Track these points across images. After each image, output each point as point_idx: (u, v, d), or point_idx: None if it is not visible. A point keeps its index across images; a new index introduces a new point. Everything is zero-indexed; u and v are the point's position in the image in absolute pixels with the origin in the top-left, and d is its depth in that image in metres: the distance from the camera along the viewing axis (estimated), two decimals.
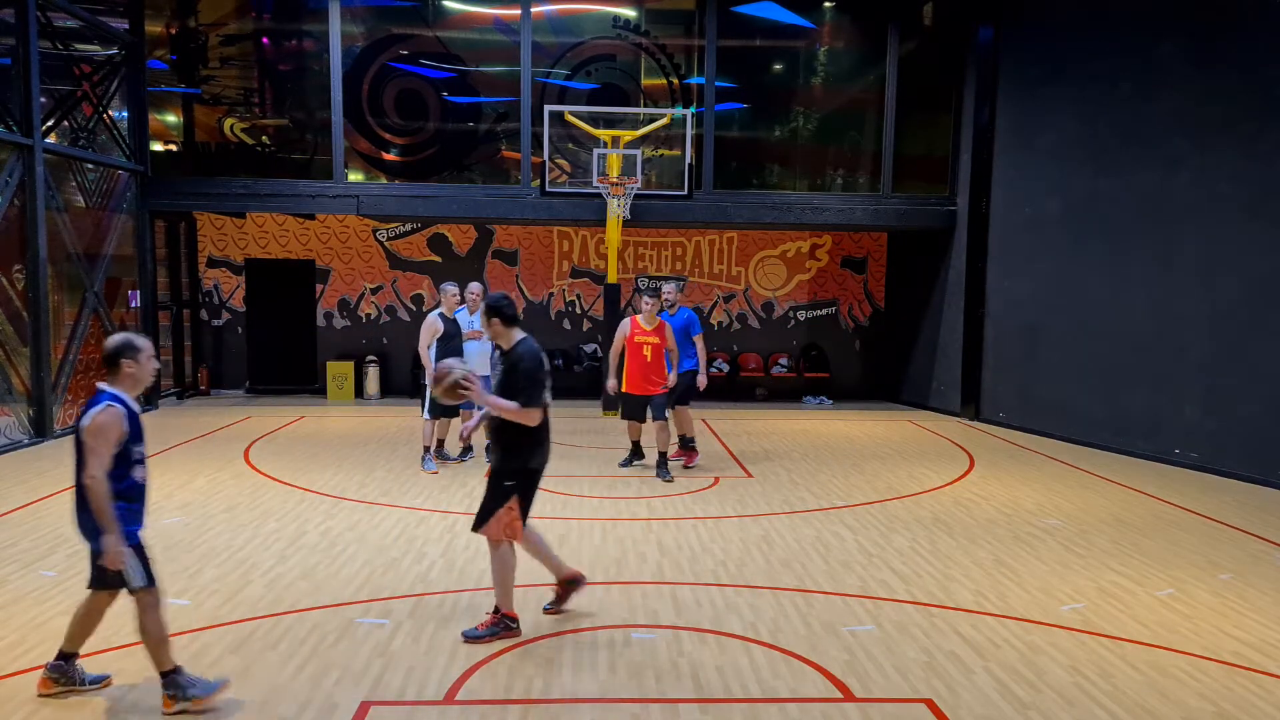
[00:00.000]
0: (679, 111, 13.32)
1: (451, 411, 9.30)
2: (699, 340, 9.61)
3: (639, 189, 12.90)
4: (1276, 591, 6.09)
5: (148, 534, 4.27)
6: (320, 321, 15.04)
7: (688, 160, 13.14)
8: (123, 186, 12.73)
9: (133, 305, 12.99)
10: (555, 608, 5.47)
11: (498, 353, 5.25)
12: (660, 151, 13.83)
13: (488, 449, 5.28)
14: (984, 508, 8.24)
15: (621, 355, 9.17)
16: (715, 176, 13.81)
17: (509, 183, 14.08)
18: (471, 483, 8.72)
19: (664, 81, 14.35)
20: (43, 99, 10.81)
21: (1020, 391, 12.42)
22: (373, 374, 14.54)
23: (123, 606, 4.35)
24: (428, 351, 9.08)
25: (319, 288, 14.99)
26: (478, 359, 8.99)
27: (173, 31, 14.04)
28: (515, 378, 5.05)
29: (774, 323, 15.60)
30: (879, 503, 8.37)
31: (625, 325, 9.17)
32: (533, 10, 13.53)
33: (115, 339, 4.23)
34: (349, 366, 14.50)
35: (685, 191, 13.18)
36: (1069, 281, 11.52)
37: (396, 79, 14.06)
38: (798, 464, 10.05)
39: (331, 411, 13.36)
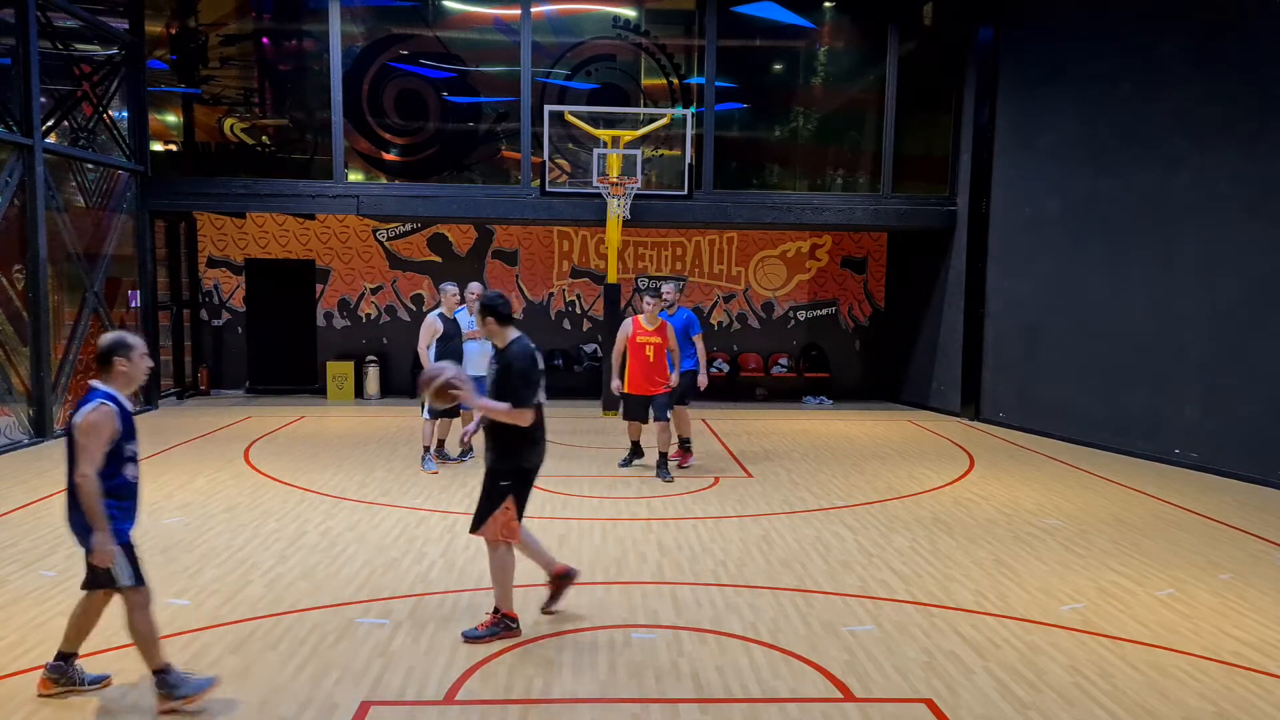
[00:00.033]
0: (679, 111, 13.32)
1: (452, 412, 9.29)
2: (698, 340, 9.61)
3: (639, 189, 12.90)
4: (1276, 591, 6.09)
5: (148, 534, 4.27)
6: (320, 321, 15.04)
7: (688, 160, 13.14)
8: (123, 186, 12.73)
9: (133, 305, 12.99)
10: (550, 607, 5.45)
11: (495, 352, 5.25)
12: (660, 151, 13.83)
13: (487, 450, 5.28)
14: (984, 508, 8.24)
15: (624, 356, 9.17)
16: (715, 176, 13.81)
17: (509, 183, 14.08)
18: (471, 483, 8.70)
19: (664, 81, 14.35)
20: (43, 99, 10.81)
21: (1020, 391, 12.42)
22: (373, 374, 14.54)
23: (123, 607, 4.35)
24: (427, 352, 9.08)
25: (319, 288, 14.99)
26: (478, 359, 8.99)
27: (173, 31, 14.04)
28: (508, 377, 5.04)
29: (774, 323, 15.60)
30: (879, 503, 8.37)
31: (627, 325, 9.16)
32: (533, 10, 13.53)
33: (108, 337, 4.24)
34: (349, 366, 14.50)
35: (685, 191, 13.18)
36: (1069, 281, 11.52)
37: (396, 79, 14.06)
38: (798, 464, 10.05)
39: (331, 411, 13.36)
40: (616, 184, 12.71)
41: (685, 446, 9.83)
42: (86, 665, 4.42)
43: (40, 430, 10.56)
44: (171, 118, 14.44)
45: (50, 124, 11.42)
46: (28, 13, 10.30)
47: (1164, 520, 7.88)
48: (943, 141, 13.99)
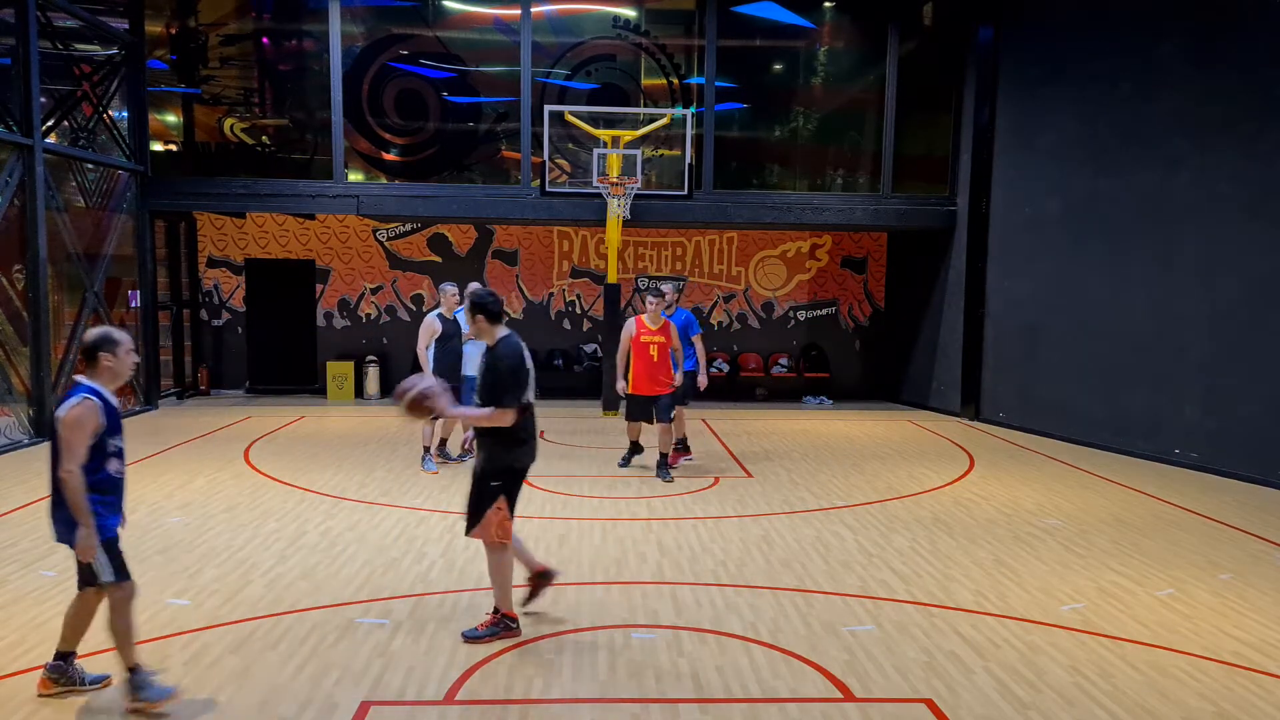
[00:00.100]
0: (679, 111, 13.31)
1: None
2: (698, 340, 9.61)
3: (639, 189, 12.89)
4: (1276, 591, 6.09)
5: (148, 534, 4.27)
6: (320, 321, 15.04)
7: (688, 160, 13.14)
8: (123, 186, 12.73)
9: (133, 305, 12.99)
10: (526, 605, 5.40)
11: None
12: (660, 151, 13.83)
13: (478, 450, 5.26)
14: (984, 508, 8.24)
15: (628, 356, 9.16)
16: (715, 176, 13.81)
17: (509, 183, 14.08)
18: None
19: (664, 81, 14.35)
20: (43, 99, 10.82)
21: (1020, 391, 12.42)
22: (373, 374, 14.54)
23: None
24: (426, 352, 9.09)
25: (319, 288, 14.99)
26: (477, 360, 8.95)
27: (173, 31, 14.04)
28: (495, 375, 5.04)
29: (774, 323, 15.60)
30: (879, 503, 8.37)
31: (630, 325, 9.15)
32: (533, 10, 13.53)
33: (93, 332, 4.26)
34: (349, 366, 14.50)
35: (685, 191, 13.18)
36: (1069, 281, 11.52)
37: (396, 79, 14.06)
38: (798, 464, 10.05)
39: (331, 411, 13.36)
40: (616, 184, 12.70)
41: (681, 446, 9.84)
42: (86, 665, 4.43)
43: (40, 430, 10.55)
44: (171, 118, 14.44)
45: (50, 124, 11.42)
46: (28, 13, 10.30)
47: (1164, 520, 7.88)
48: (943, 141, 13.99)
